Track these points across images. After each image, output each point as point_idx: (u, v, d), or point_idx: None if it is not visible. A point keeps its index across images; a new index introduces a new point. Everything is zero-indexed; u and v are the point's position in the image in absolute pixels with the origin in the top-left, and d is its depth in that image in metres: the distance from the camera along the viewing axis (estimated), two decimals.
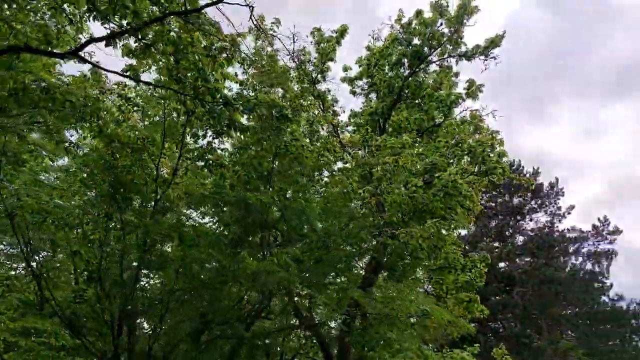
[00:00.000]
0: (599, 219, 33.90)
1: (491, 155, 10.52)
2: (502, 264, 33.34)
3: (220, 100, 6.48)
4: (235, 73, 8.89)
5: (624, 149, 66.10)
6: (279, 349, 13.31)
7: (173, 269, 7.82)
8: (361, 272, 11.24)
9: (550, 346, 30.10)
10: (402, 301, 6.89)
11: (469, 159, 11.31)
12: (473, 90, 12.58)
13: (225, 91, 7.19)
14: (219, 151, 8.93)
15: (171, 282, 8.03)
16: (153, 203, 8.10)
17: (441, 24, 13.19)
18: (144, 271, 8.91)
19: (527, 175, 37.22)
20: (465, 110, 12.76)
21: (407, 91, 13.62)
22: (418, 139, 12.40)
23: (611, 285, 33.36)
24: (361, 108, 14.63)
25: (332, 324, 11.84)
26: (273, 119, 8.05)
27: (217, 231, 9.56)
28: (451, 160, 10.92)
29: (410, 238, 8.00)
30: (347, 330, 10.51)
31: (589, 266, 34.10)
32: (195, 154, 8.78)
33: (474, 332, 15.84)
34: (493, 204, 36.72)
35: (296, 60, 11.51)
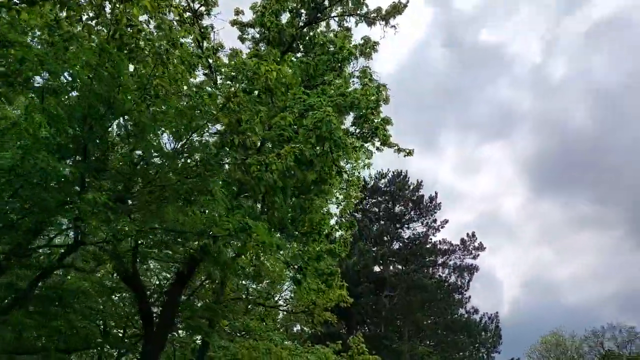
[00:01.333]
0: (467, 234, 36.19)
1: (375, 113, 9.50)
2: (376, 268, 33.75)
3: None
4: None
5: (493, 186, 74.59)
6: (97, 321, 10.73)
7: None
8: None
9: (409, 352, 30.90)
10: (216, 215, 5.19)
11: (352, 116, 10.19)
12: (368, 48, 11.59)
13: None
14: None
15: None
16: None
17: None
18: None
19: (411, 187, 38.70)
20: (357, 70, 11.70)
21: (300, 42, 12.22)
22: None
23: (469, 298, 35.73)
24: (247, 54, 12.83)
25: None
26: None
27: None
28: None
29: (264, 170, 6.37)
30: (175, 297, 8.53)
31: (453, 279, 36.18)
32: None
33: (334, 319, 14.84)
34: (376, 209, 37.34)
35: None
